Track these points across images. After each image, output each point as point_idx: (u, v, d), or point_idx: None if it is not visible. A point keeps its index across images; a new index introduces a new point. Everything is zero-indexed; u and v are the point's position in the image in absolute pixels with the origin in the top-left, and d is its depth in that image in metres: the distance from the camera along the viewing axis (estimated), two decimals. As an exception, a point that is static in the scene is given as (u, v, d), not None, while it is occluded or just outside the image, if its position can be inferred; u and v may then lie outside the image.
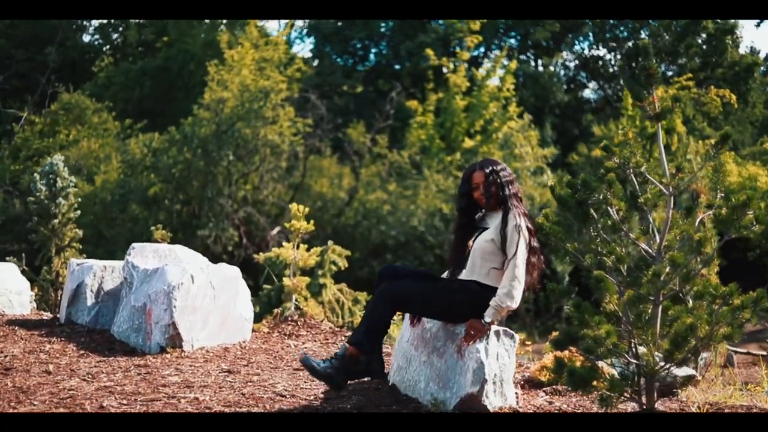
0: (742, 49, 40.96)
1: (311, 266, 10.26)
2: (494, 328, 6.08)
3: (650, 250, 5.45)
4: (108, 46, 44.23)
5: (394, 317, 6.59)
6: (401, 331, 6.88)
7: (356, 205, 33.04)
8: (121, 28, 43.15)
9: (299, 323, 9.54)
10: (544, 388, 6.64)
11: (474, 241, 6.25)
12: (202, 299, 8.41)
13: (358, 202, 33.11)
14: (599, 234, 5.48)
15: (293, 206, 10.01)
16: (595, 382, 5.29)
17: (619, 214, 5.48)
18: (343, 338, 9.18)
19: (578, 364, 5.40)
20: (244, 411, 6.01)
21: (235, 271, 8.90)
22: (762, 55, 41.97)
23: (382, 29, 41.01)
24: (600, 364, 5.50)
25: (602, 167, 5.51)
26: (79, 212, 12.41)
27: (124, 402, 6.18)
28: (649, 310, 5.36)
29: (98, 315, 9.14)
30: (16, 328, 9.02)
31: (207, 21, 35.22)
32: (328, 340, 9.10)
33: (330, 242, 11.15)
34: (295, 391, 6.65)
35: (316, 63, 41.78)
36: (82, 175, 31.95)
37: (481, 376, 5.90)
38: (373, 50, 42.74)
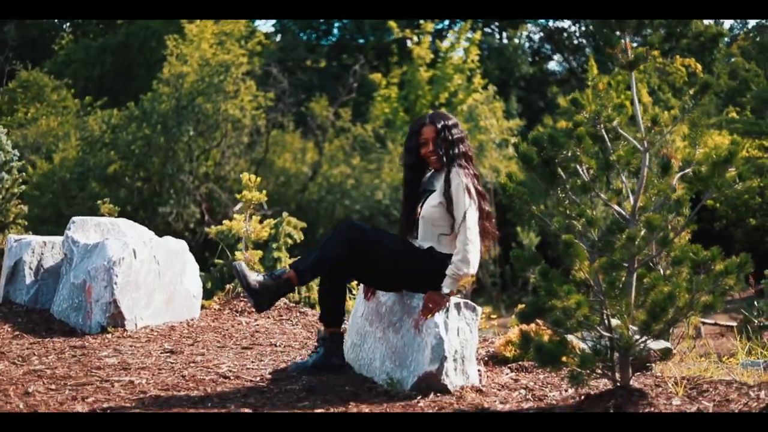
0: (707, 20, 40.82)
1: (265, 239, 9.75)
2: (454, 300, 5.60)
3: (623, 212, 4.96)
4: (68, 24, 43.65)
5: (349, 294, 6.11)
6: (355, 306, 6.39)
7: (320, 180, 32.67)
8: (81, 5, 42.34)
9: (252, 299, 9.03)
10: (509, 365, 6.16)
11: (422, 207, 5.77)
12: (146, 275, 7.89)
13: (322, 176, 32.74)
14: (568, 195, 4.97)
15: (244, 176, 9.45)
16: (564, 358, 4.79)
17: (590, 172, 4.97)
18: (298, 314, 8.70)
19: (546, 338, 4.90)
20: (182, 395, 5.50)
21: (181, 245, 8.37)
22: (726, 26, 41.90)
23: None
24: (570, 337, 5.02)
25: (571, 122, 5.00)
26: (24, 187, 11.85)
27: (52, 387, 5.64)
28: (623, 278, 4.87)
29: (38, 294, 8.57)
30: (-51, 309, 8.46)
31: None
32: (282, 316, 8.61)
33: (285, 213, 10.61)
34: (240, 372, 6.14)
35: (279, 38, 41.31)
36: (41, 153, 31.42)
37: (440, 353, 5.40)
38: (337, 24, 42.30)
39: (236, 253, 9.53)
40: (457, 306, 5.59)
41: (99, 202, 10.97)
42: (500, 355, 6.28)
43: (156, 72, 31.89)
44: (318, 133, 34.45)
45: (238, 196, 9.59)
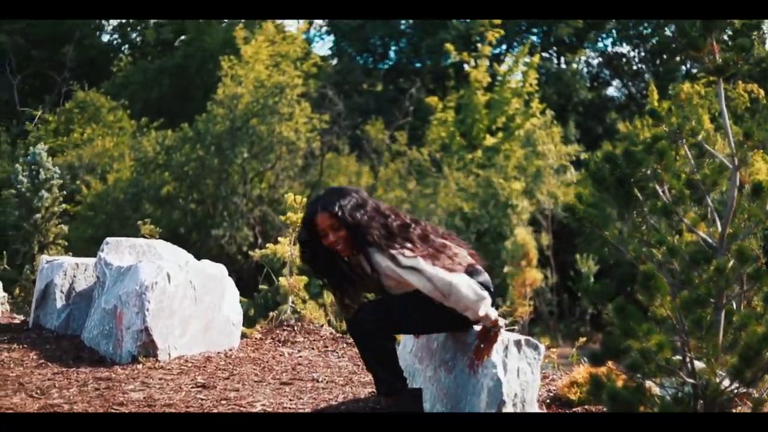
0: (768, 46, 40.00)
1: (312, 264, 9.18)
2: (515, 337, 4.99)
3: (710, 240, 4.32)
4: (126, 45, 44.02)
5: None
6: (403, 341, 5.79)
7: (375, 205, 32.22)
8: (139, 27, 42.95)
9: (296, 328, 8.46)
10: (574, 409, 5.53)
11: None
12: (181, 301, 7.34)
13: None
14: (645, 219, 4.34)
15: (289, 196, 8.86)
16: (642, 408, 4.15)
17: (671, 193, 4.34)
18: (345, 345, 8.11)
19: (620, 383, 4.25)
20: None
21: (219, 269, 7.82)
22: (788, 52, 40.98)
23: (402, 27, 40.40)
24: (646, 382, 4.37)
25: (650, 137, 4.37)
26: (64, 206, 11.50)
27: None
28: (709, 316, 4.22)
29: (69, 318, 8.06)
30: (-22, 334, 7.98)
31: (225, 20, 34.60)
32: (327, 347, 8.03)
33: (333, 238, 10.04)
34: (276, 412, 5.58)
35: (335, 61, 41.24)
36: (96, 173, 31.38)
37: (498, 396, 4.78)
38: (393, 48, 42.15)
39: (280, 278, 8.98)
40: (518, 343, 4.97)
41: (140, 222, 10.50)
42: (564, 397, 5.64)
43: (212, 94, 31.81)
44: (373, 157, 34.12)
45: (282, 218, 9.05)
